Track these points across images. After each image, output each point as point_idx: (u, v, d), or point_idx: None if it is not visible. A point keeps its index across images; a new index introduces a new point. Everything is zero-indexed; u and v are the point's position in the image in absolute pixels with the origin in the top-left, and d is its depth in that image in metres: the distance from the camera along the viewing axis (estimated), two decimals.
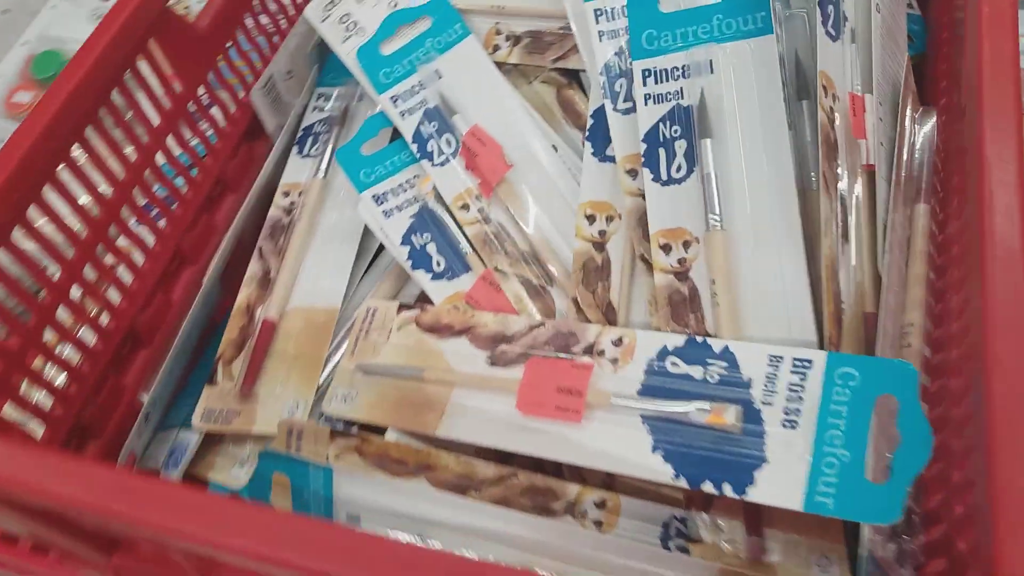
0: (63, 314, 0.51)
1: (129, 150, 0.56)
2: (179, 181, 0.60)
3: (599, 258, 0.49)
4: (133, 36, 0.53)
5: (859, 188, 0.44)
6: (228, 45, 0.63)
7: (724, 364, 0.42)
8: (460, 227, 0.54)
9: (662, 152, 0.47)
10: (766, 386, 0.41)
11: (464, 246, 0.54)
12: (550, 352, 0.46)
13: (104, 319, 0.55)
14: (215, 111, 0.63)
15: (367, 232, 0.58)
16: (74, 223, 0.52)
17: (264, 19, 0.66)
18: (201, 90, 0.61)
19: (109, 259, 0.56)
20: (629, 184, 0.49)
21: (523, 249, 0.53)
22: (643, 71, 0.49)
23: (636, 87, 0.49)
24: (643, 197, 0.48)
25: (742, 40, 0.48)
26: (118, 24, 0.52)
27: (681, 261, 0.46)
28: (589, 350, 0.46)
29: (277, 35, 0.68)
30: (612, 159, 0.50)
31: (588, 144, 0.51)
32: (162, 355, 0.58)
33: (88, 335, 0.54)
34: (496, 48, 0.59)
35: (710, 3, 0.49)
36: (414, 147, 0.57)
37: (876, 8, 0.49)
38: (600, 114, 0.52)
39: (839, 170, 0.44)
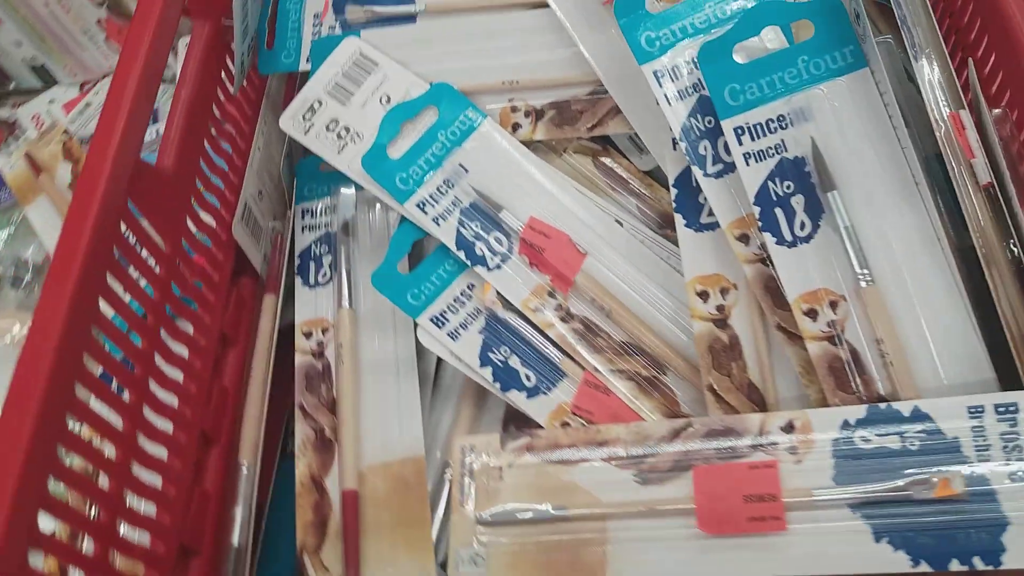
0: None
1: (138, 341, 0.47)
2: (184, 351, 0.51)
3: (725, 336, 0.45)
4: (116, 203, 0.44)
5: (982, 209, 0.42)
6: (197, 183, 0.55)
7: (921, 427, 0.39)
8: (540, 331, 0.49)
9: (779, 212, 0.43)
10: (976, 441, 0.38)
11: (551, 351, 0.48)
12: (713, 456, 0.42)
13: (142, 537, 0.45)
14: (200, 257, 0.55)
15: (421, 354, 0.52)
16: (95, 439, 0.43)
17: (224, 143, 0.58)
18: (184, 242, 0.52)
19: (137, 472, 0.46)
20: (743, 251, 0.44)
21: (620, 340, 0.48)
22: (735, 129, 0.44)
23: (732, 147, 0.44)
24: (763, 262, 0.44)
25: (835, 79, 0.44)
26: (98, 195, 0.43)
27: (831, 324, 0.42)
28: (758, 444, 0.41)
29: (237, 157, 0.59)
30: (710, 227, 0.46)
31: (679, 216, 0.47)
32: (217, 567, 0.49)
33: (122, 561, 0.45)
34: (516, 127, 0.53)
35: (792, 45, 0.46)
36: (461, 254, 0.50)
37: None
38: (684, 182, 0.47)
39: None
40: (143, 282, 0.48)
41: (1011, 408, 0.38)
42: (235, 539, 0.48)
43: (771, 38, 0.47)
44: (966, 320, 0.41)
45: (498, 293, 0.49)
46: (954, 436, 0.38)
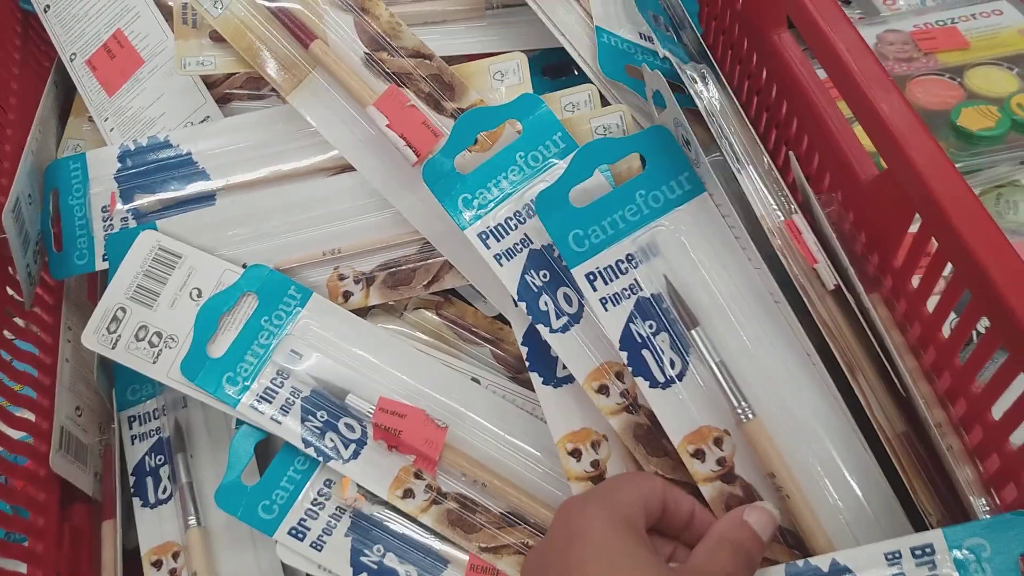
0: None
1: None
2: None
3: None
4: None
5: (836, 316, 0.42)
6: None
7: None
8: (413, 520, 0.45)
9: (647, 354, 0.41)
10: None
11: (430, 540, 0.44)
12: None
13: None
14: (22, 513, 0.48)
15: (290, 570, 0.47)
16: None
17: (22, 365, 0.51)
18: None
19: None
20: (605, 403, 0.42)
21: (500, 511, 0.44)
22: (587, 276, 0.42)
23: (587, 294, 0.42)
24: (628, 410, 0.41)
25: (676, 209, 0.43)
26: None
27: (720, 461, 0.40)
28: None
29: (43, 376, 0.52)
30: (567, 380, 0.43)
31: (535, 375, 0.44)
32: None
33: None
34: (348, 295, 0.49)
35: (628, 182, 0.43)
36: (310, 451, 0.45)
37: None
38: (533, 337, 0.44)
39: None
40: None
41: (927, 550, 0.35)
42: None
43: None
44: (853, 436, 0.40)
45: (357, 487, 0.45)
46: None
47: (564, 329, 0.43)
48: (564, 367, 0.43)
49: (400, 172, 0.48)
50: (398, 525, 0.45)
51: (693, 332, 0.41)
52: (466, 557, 0.44)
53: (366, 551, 0.44)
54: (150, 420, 0.52)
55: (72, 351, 0.54)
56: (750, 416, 0.40)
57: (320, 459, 0.46)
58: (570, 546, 0.33)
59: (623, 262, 0.42)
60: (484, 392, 0.47)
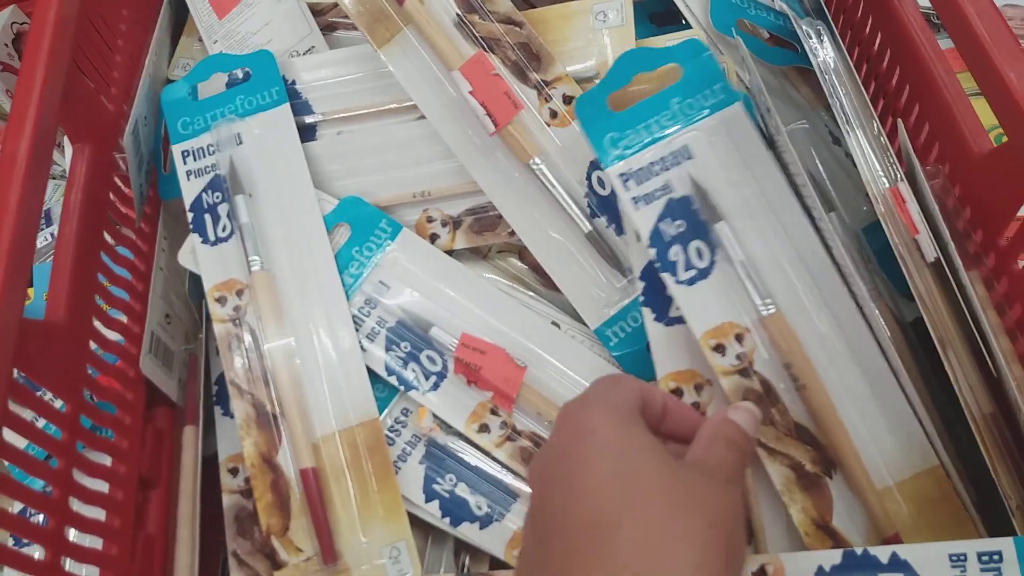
0: None
1: (40, 519, 0.41)
2: (100, 513, 0.45)
3: None
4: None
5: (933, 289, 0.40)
6: (94, 321, 0.48)
7: None
8: (487, 453, 0.45)
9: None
10: None
11: (502, 475, 0.44)
12: None
13: None
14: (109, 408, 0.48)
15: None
16: None
17: (120, 270, 0.52)
18: (87, 392, 0.46)
19: None
20: (720, 362, 0.40)
21: None
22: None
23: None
24: (742, 374, 0.40)
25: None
26: None
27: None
28: None
29: (138, 282, 0.53)
30: (681, 320, 0.42)
31: (647, 311, 0.43)
32: None
33: None
34: (435, 237, 0.49)
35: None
36: (392, 379, 0.45)
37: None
38: (651, 274, 0.43)
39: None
40: (41, 452, 0.42)
41: (995, 557, 0.34)
42: None
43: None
44: (870, 339, 0.40)
45: (435, 417, 0.45)
46: None
47: (691, 282, 0.41)
48: (678, 307, 0.42)
49: (478, 139, 0.48)
50: (471, 457, 0.45)
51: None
52: None
53: (439, 479, 0.45)
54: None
55: (166, 261, 0.55)
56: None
57: (401, 387, 0.46)
58: (577, 444, 0.32)
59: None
60: (564, 336, 0.46)
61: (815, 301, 0.40)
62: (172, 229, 0.57)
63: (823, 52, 0.44)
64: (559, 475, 0.32)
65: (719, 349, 0.40)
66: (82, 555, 0.42)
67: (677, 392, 0.42)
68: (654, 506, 0.30)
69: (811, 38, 0.44)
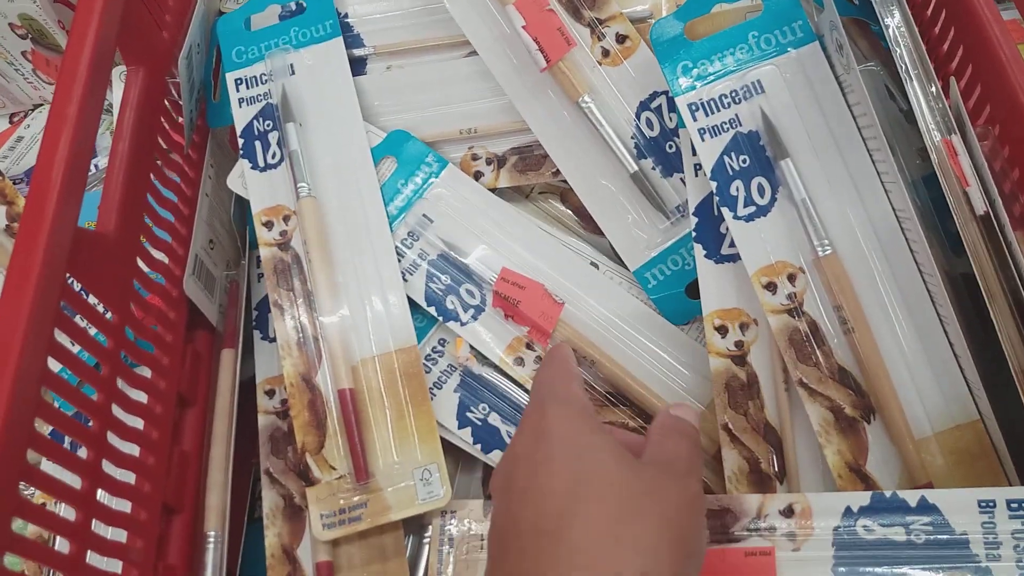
0: None
1: (88, 423, 0.41)
2: (139, 423, 0.46)
3: (743, 374, 0.41)
4: (54, 284, 0.38)
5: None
6: (141, 239, 0.49)
7: (928, 520, 0.34)
8: (520, 385, 0.44)
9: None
10: (987, 538, 0.34)
11: None
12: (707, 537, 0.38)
13: None
14: (151, 319, 0.49)
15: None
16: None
17: (167, 192, 0.52)
18: (132, 306, 0.46)
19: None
20: (770, 300, 0.40)
21: (604, 391, 0.44)
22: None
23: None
24: (791, 314, 0.39)
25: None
26: (34, 277, 0.37)
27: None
28: (754, 526, 0.36)
29: (184, 206, 0.53)
30: (731, 259, 0.42)
31: (699, 247, 0.42)
32: None
33: None
34: (479, 175, 0.48)
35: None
36: (431, 310, 0.45)
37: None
38: (705, 211, 0.43)
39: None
40: (90, 358, 0.43)
41: None
42: None
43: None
44: (922, 287, 0.39)
45: (471, 348, 0.45)
46: (962, 532, 0.34)
47: (749, 219, 0.41)
48: (731, 244, 0.42)
49: (528, 76, 0.47)
50: (505, 388, 0.45)
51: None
52: None
53: (472, 407, 0.44)
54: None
55: (212, 187, 0.55)
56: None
57: (440, 318, 0.45)
58: (534, 449, 0.32)
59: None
60: (602, 277, 0.46)
61: (872, 245, 0.40)
62: (218, 157, 0.57)
63: (888, 4, 0.43)
64: (517, 479, 0.31)
65: (770, 287, 0.40)
66: (121, 460, 0.43)
67: (722, 329, 0.41)
68: (603, 510, 0.29)
69: None
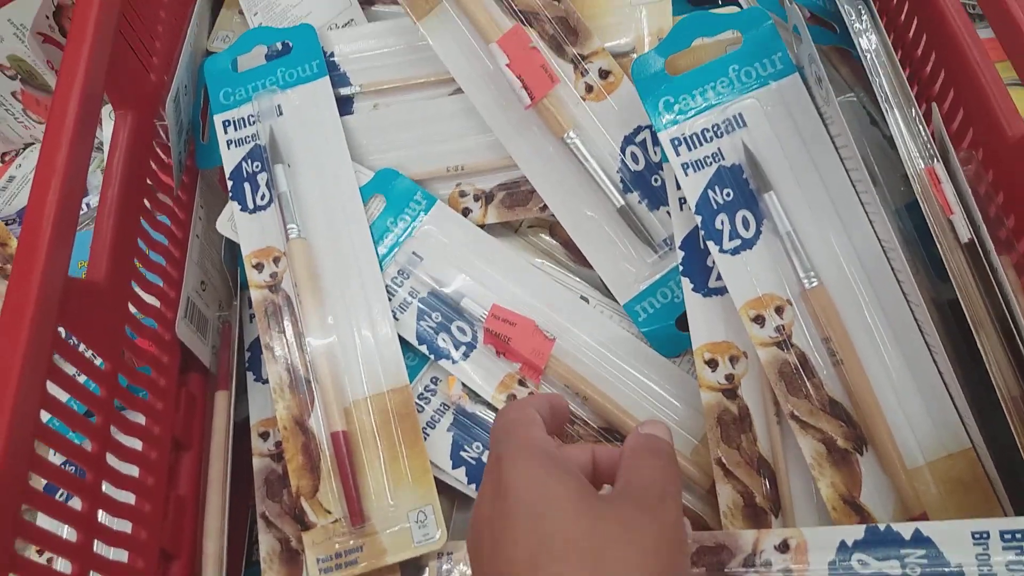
0: None
1: (76, 470, 0.41)
2: (134, 470, 0.45)
3: (734, 407, 0.40)
4: (45, 334, 0.38)
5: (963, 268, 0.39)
6: (132, 284, 0.48)
7: (922, 552, 0.34)
8: None
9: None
10: (981, 571, 0.33)
11: None
12: (703, 574, 0.37)
13: None
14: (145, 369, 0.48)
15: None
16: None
17: (158, 235, 0.52)
18: (124, 353, 0.46)
19: None
20: (758, 333, 0.40)
21: (598, 427, 0.44)
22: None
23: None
24: (780, 347, 0.39)
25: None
26: (25, 328, 0.37)
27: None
28: (750, 563, 0.36)
29: (175, 248, 0.53)
30: (719, 292, 0.42)
31: (687, 280, 0.42)
32: None
33: None
34: (467, 212, 0.48)
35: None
36: (423, 348, 0.45)
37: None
38: (691, 244, 0.43)
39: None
40: (82, 407, 0.42)
41: (1017, 536, 0.33)
42: None
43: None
44: (909, 317, 0.39)
45: (463, 386, 0.45)
46: (957, 564, 0.33)
47: (735, 252, 0.41)
48: (719, 278, 0.41)
49: (513, 113, 0.47)
50: None
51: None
52: None
53: (466, 446, 0.44)
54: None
55: (202, 229, 0.54)
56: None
57: (432, 356, 0.45)
58: (495, 505, 0.30)
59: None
60: (592, 311, 0.46)
61: (858, 276, 0.39)
62: (208, 198, 0.57)
63: (865, 31, 0.43)
64: (483, 545, 0.30)
65: (758, 320, 0.39)
66: (116, 509, 0.42)
67: (712, 363, 0.41)
68: (570, 570, 0.27)
69: (852, 16, 0.43)
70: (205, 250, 0.55)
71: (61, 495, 0.43)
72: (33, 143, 0.81)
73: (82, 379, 0.42)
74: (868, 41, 0.44)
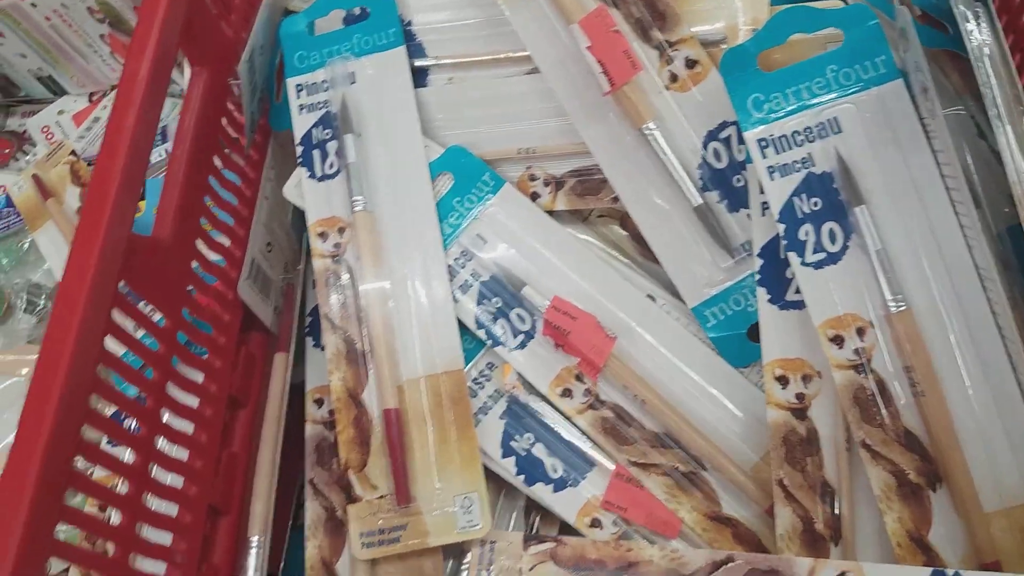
0: None
1: (131, 423, 0.41)
2: (188, 426, 0.45)
3: (802, 428, 0.38)
4: (106, 291, 0.38)
5: None
6: (197, 242, 0.48)
7: None
8: (567, 418, 0.42)
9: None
10: None
11: (580, 442, 0.42)
12: None
13: None
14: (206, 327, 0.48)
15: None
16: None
17: (226, 194, 0.51)
18: (185, 311, 0.46)
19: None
20: (836, 354, 0.37)
21: (655, 432, 0.42)
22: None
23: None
24: (857, 370, 0.37)
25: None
26: (87, 283, 0.36)
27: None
28: None
29: (243, 208, 0.52)
30: (796, 305, 0.39)
31: (763, 291, 0.40)
32: None
33: None
34: (535, 196, 0.46)
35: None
36: (480, 333, 0.44)
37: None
38: (771, 252, 0.40)
39: None
40: (137, 360, 0.42)
41: None
42: None
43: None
44: (1002, 351, 0.35)
45: (519, 375, 0.43)
46: None
47: (818, 266, 0.38)
48: (797, 290, 0.39)
49: (590, 98, 0.44)
50: (551, 420, 0.43)
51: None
52: (612, 466, 0.42)
53: (517, 436, 0.43)
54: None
55: (272, 191, 0.53)
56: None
57: (488, 341, 0.43)
58: None
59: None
60: (658, 311, 0.43)
61: (949, 303, 0.36)
62: (279, 160, 0.56)
63: (979, 36, 0.39)
64: None
65: (837, 340, 0.37)
66: (168, 464, 0.42)
67: (783, 380, 0.38)
68: None
69: (968, 21, 0.39)
70: (274, 212, 0.54)
71: (113, 445, 0.43)
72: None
73: (140, 335, 0.42)
74: (981, 45, 0.40)
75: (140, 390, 0.41)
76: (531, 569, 0.39)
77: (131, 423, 0.42)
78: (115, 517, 0.39)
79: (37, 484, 0.32)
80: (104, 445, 0.45)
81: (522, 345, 0.43)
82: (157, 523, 0.41)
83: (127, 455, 0.40)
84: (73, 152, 0.74)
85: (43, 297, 0.71)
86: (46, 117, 0.82)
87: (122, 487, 0.40)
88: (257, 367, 0.51)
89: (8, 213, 0.75)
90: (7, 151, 0.83)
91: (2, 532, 0.31)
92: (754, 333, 0.41)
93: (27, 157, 0.82)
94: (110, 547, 0.38)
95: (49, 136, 0.82)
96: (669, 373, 0.42)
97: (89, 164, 0.74)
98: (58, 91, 0.84)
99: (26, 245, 0.74)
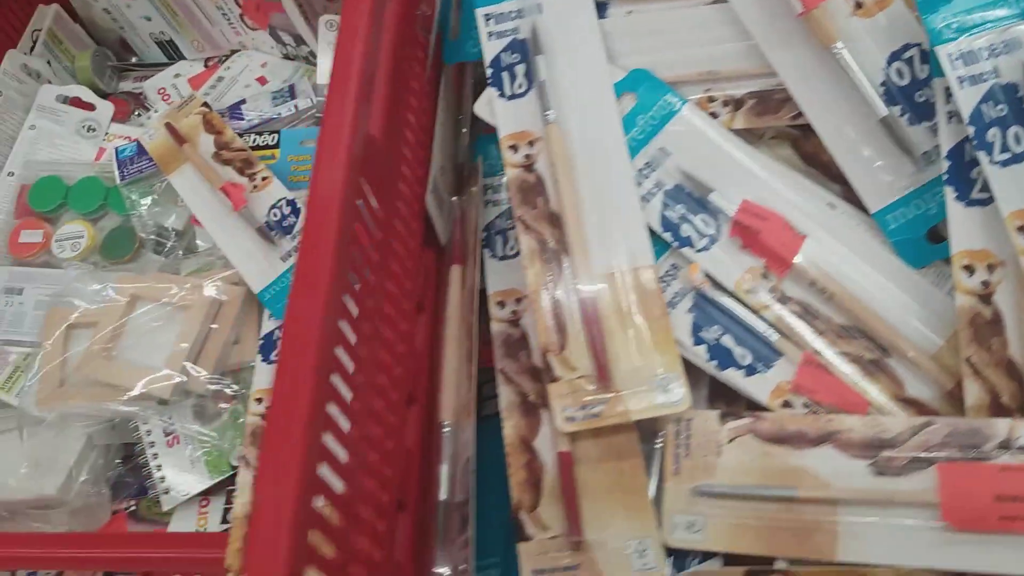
0: None
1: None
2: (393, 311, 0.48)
3: (987, 312, 0.41)
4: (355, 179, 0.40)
5: None
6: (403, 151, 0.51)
7: None
8: (755, 312, 0.45)
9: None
10: None
11: (765, 330, 0.45)
12: (955, 454, 0.38)
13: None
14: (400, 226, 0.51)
15: None
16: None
17: (414, 118, 0.54)
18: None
19: None
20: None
21: (840, 324, 0.45)
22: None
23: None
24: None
25: None
26: (342, 174, 0.39)
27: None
28: (1005, 446, 0.38)
29: (428, 125, 0.55)
30: (981, 203, 0.42)
31: (950, 189, 0.43)
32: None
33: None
34: (714, 116, 0.49)
35: None
36: (667, 235, 0.47)
37: None
38: (958, 154, 0.43)
39: None
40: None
41: None
42: (443, 494, 0.46)
43: None
44: None
45: (707, 274, 0.46)
46: None
47: (1005, 163, 0.41)
48: (982, 189, 0.42)
49: (779, 22, 0.47)
50: (738, 313, 0.45)
51: None
52: (800, 352, 0.44)
53: (705, 327, 0.45)
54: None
55: (443, 120, 0.57)
56: None
57: (674, 243, 0.47)
58: None
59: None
60: (840, 217, 0.46)
61: None
62: (446, 92, 0.59)
63: None
64: None
65: (1023, 230, 0.40)
66: (382, 344, 0.45)
67: (969, 269, 0.41)
68: None
69: None
70: (443, 140, 0.57)
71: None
72: (239, 50, 0.84)
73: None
74: None
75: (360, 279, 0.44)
76: (730, 442, 0.42)
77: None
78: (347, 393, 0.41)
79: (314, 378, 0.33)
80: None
81: (706, 248, 0.46)
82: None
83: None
84: (205, 103, 0.77)
85: (171, 238, 0.74)
86: (162, 80, 0.85)
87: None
88: (432, 277, 0.54)
89: (138, 159, 0.77)
90: (125, 109, 0.86)
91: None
92: (933, 235, 0.44)
93: (148, 114, 0.84)
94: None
95: (166, 98, 0.85)
96: (852, 271, 0.45)
97: (221, 115, 0.77)
98: (174, 56, 0.87)
99: (159, 189, 0.76)
